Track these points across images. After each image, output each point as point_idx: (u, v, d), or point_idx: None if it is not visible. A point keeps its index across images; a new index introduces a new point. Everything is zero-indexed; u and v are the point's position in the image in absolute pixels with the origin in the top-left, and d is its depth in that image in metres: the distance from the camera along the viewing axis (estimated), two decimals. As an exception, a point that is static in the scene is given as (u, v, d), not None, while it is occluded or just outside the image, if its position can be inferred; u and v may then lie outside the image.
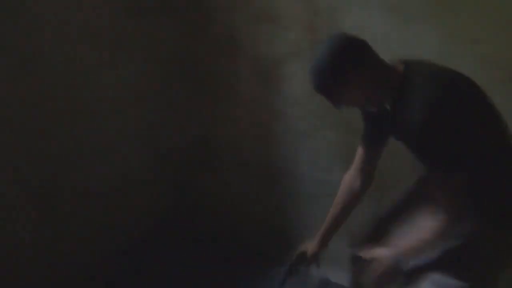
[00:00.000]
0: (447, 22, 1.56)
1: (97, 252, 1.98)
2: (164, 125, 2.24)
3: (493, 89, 1.19)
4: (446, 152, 1.08)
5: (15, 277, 1.68)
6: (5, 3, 1.53)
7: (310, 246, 1.57)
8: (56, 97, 1.73)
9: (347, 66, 1.13)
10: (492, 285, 1.22)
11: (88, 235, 1.93)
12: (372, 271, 1.23)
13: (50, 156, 1.74)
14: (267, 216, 2.30)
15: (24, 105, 1.63)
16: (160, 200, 2.33)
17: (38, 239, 1.75)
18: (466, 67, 1.19)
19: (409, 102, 1.10)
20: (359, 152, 1.42)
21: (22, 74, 1.60)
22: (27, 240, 1.71)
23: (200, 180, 2.46)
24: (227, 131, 2.29)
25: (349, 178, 1.45)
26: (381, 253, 1.24)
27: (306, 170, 2.10)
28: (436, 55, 1.31)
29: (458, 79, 1.14)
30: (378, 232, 1.46)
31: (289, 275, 1.66)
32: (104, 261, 1.99)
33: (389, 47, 1.40)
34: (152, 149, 2.20)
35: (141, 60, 2.05)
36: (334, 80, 1.15)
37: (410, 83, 1.12)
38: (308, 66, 1.20)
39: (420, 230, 1.19)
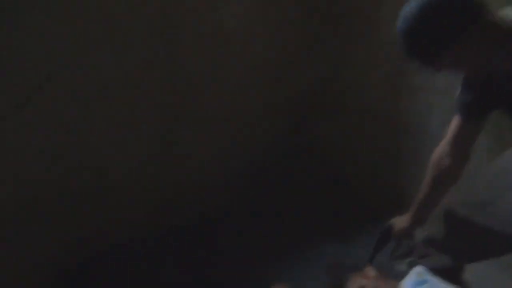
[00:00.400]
0: None
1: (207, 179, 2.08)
2: (292, 62, 2.19)
3: None
4: None
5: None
6: None
7: (398, 221, 1.48)
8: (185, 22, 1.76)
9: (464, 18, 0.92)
10: None
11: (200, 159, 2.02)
12: None
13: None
14: (384, 171, 2.19)
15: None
16: (276, 139, 2.36)
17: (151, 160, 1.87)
18: None
19: None
20: (453, 124, 1.21)
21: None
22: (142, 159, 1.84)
23: (320, 124, 2.42)
24: (357, 79, 2.18)
25: (438, 153, 1.26)
26: None
27: (437, 131, 1.89)
28: None
29: None
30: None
31: (376, 249, 1.64)
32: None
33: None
34: (275, 88, 2.18)
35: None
36: (446, 37, 0.95)
37: None
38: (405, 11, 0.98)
39: None
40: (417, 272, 1.65)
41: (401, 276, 1.69)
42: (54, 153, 1.59)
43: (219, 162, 2.10)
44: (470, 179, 1.36)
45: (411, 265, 1.74)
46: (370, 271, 1.67)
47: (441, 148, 1.27)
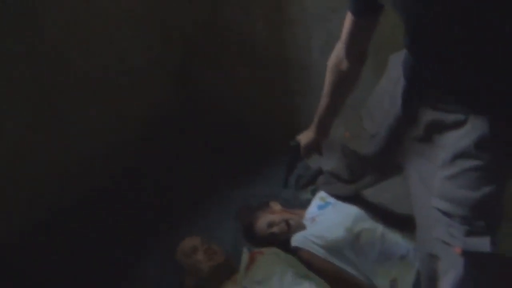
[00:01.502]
0: None
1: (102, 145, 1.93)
2: (165, 5, 2.01)
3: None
4: None
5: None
6: None
7: (303, 136, 1.48)
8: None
9: None
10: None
11: (92, 127, 1.85)
12: None
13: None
14: (275, 107, 2.19)
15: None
16: (160, 92, 2.22)
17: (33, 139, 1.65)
18: None
19: None
20: (346, 23, 1.14)
21: None
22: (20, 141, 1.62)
23: (204, 70, 2.30)
24: (237, 15, 2.06)
25: (334, 57, 1.22)
26: None
27: (319, 58, 1.91)
28: None
29: None
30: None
31: (289, 171, 1.62)
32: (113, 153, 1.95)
33: None
34: (147, 35, 2.00)
35: None
36: None
37: None
38: None
39: None
40: (320, 197, 1.72)
41: (306, 204, 1.75)
42: None
43: (110, 128, 1.94)
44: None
45: (314, 193, 1.81)
46: (276, 206, 1.70)
47: (337, 52, 1.22)
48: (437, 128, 1.04)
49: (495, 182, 0.96)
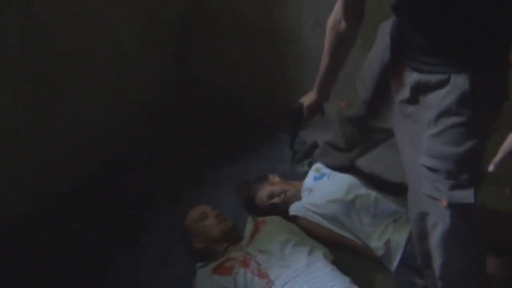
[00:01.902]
0: None
1: (98, 129, 1.92)
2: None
3: None
4: None
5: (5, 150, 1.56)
6: None
7: (306, 98, 1.54)
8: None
9: None
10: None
11: (86, 111, 1.83)
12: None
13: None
14: (268, 83, 2.25)
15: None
16: (158, 72, 2.24)
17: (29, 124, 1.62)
18: None
19: None
20: None
21: None
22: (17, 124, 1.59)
23: (198, 49, 2.34)
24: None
25: (333, 19, 1.28)
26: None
27: (310, 32, 1.96)
28: None
29: None
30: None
31: (294, 133, 1.70)
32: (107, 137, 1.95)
33: None
34: (140, 17, 2.00)
35: None
36: None
37: None
38: None
39: None
40: (316, 168, 1.78)
41: (303, 176, 1.82)
42: None
43: (111, 110, 1.96)
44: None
45: (310, 165, 1.87)
46: (275, 178, 1.77)
47: (335, 13, 1.28)
48: (423, 89, 1.10)
49: (477, 137, 1.03)
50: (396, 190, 1.67)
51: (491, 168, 1.00)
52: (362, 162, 1.80)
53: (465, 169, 1.05)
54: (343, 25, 1.26)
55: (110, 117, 1.97)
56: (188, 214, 1.60)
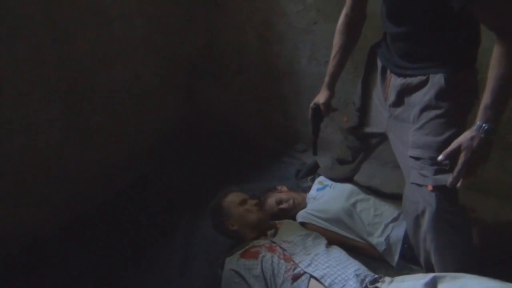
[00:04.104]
0: None
1: (115, 156, 2.13)
2: (171, 33, 2.30)
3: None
4: None
5: (40, 181, 1.79)
6: None
7: (320, 97, 1.68)
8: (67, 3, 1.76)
9: None
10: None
11: (111, 138, 2.07)
12: (462, 163, 1.15)
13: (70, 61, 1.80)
14: (270, 112, 2.48)
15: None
16: (171, 106, 2.47)
17: (64, 144, 1.86)
18: None
19: None
20: None
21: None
22: (53, 144, 1.82)
23: (207, 86, 2.59)
24: (232, 36, 2.38)
25: (341, 22, 1.52)
26: (463, 138, 1.15)
27: (306, 65, 2.21)
28: None
29: None
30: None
31: (315, 134, 1.78)
32: (121, 165, 2.16)
33: None
34: (158, 58, 2.27)
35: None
36: None
37: None
38: None
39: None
40: (319, 181, 1.97)
41: (307, 190, 2.00)
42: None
43: (126, 140, 2.18)
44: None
45: (313, 181, 2.06)
46: (283, 188, 1.95)
47: (342, 17, 1.52)
48: (407, 91, 1.33)
49: (455, 127, 1.23)
50: (392, 197, 1.85)
51: (440, 157, 1.19)
52: (360, 178, 1.99)
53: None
54: (350, 26, 1.50)
55: (130, 145, 2.20)
56: (228, 197, 1.72)
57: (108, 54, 1.95)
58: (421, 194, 1.30)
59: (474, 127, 1.13)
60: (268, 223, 1.71)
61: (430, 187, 1.26)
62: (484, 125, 1.11)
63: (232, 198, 1.73)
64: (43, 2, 1.64)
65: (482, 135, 1.12)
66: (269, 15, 2.19)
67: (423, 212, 1.32)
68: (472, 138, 1.13)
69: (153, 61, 2.22)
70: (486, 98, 1.10)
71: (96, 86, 1.92)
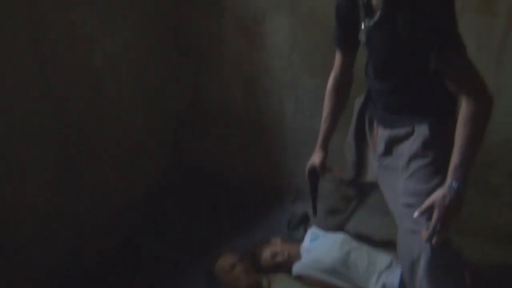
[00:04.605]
0: None
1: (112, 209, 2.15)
2: (158, 90, 2.37)
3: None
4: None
5: (29, 233, 1.75)
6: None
7: (314, 158, 1.68)
8: (58, 61, 1.78)
9: None
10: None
11: (101, 194, 2.07)
12: (436, 219, 1.22)
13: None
14: (260, 166, 2.53)
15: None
16: (160, 161, 2.51)
17: (54, 196, 1.84)
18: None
19: None
20: (338, 57, 1.51)
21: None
22: (42, 197, 1.80)
23: (195, 140, 2.63)
24: (218, 92, 2.45)
25: (331, 84, 1.56)
26: (435, 196, 1.23)
27: (291, 118, 2.30)
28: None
29: None
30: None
31: (314, 196, 1.75)
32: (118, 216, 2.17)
33: None
34: (147, 115, 2.32)
35: (134, 27, 2.14)
36: None
37: None
38: None
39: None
40: (311, 232, 1.99)
41: (300, 240, 2.01)
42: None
43: (113, 197, 2.17)
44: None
45: (305, 231, 2.08)
46: (277, 240, 1.96)
47: (332, 79, 1.56)
48: (395, 141, 1.40)
49: (441, 174, 1.30)
50: (383, 245, 1.89)
51: (415, 214, 1.26)
52: (350, 225, 2.01)
53: None
54: (339, 89, 1.56)
55: (121, 201, 2.20)
56: (219, 261, 1.75)
57: (101, 112, 1.99)
58: (415, 240, 1.34)
59: (446, 185, 1.22)
60: (260, 285, 1.72)
61: (424, 233, 1.30)
62: (454, 183, 1.20)
63: (223, 263, 1.75)
64: (42, 69, 1.70)
65: (453, 193, 1.20)
66: (253, 70, 2.29)
67: (418, 257, 1.35)
68: (444, 196, 1.21)
69: (141, 118, 2.27)
70: (455, 158, 1.20)
71: (89, 141, 1.96)
